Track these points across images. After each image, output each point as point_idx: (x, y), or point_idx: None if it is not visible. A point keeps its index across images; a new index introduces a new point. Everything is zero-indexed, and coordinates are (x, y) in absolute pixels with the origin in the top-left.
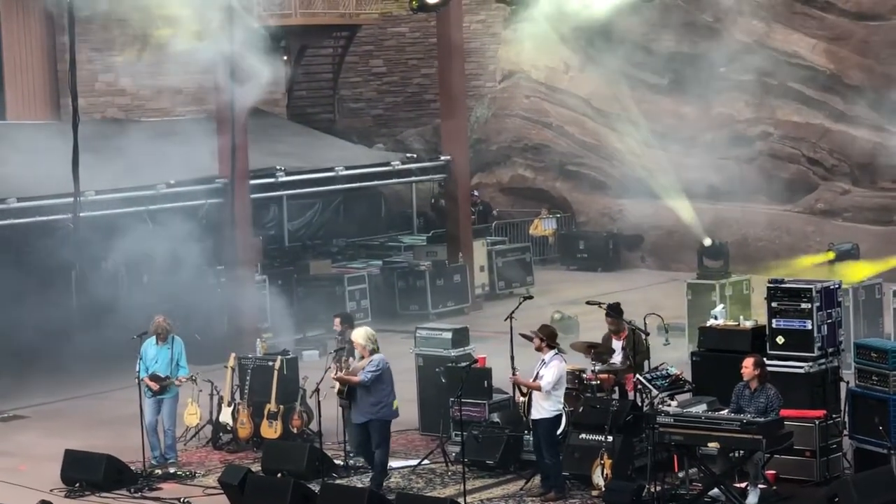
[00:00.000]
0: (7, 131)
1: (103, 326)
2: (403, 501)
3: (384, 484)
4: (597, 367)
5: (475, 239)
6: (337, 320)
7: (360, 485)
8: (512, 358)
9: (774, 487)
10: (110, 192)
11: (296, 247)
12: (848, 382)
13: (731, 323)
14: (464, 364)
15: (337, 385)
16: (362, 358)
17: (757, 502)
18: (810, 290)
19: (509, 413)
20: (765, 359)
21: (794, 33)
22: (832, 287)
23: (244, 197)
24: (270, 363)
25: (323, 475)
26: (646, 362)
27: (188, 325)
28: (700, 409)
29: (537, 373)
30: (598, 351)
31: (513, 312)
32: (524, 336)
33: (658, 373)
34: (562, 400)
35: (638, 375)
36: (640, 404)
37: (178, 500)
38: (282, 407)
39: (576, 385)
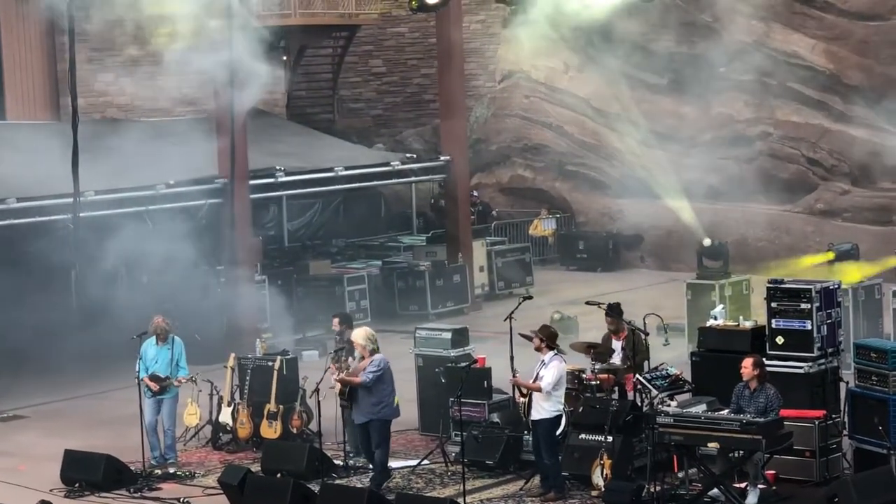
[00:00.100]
0: (6, 131)
1: (103, 326)
2: (403, 501)
3: (385, 484)
4: (596, 368)
5: (475, 239)
6: (336, 320)
7: (359, 485)
8: (511, 358)
9: (774, 487)
10: (110, 192)
11: (295, 247)
12: (847, 382)
13: (730, 323)
14: (463, 364)
15: (337, 385)
16: (363, 358)
17: (756, 502)
18: (810, 290)
19: (509, 413)
20: (764, 359)
21: (793, 33)
22: (832, 287)
23: (244, 197)
24: (270, 363)
25: (322, 475)
26: (645, 362)
27: (188, 325)
28: (700, 409)
29: (537, 373)
30: (598, 351)
31: (512, 313)
32: (524, 336)
33: (658, 373)
34: (562, 400)
35: (638, 375)
36: (639, 404)
37: (178, 500)
38: (281, 407)
39: (575, 385)
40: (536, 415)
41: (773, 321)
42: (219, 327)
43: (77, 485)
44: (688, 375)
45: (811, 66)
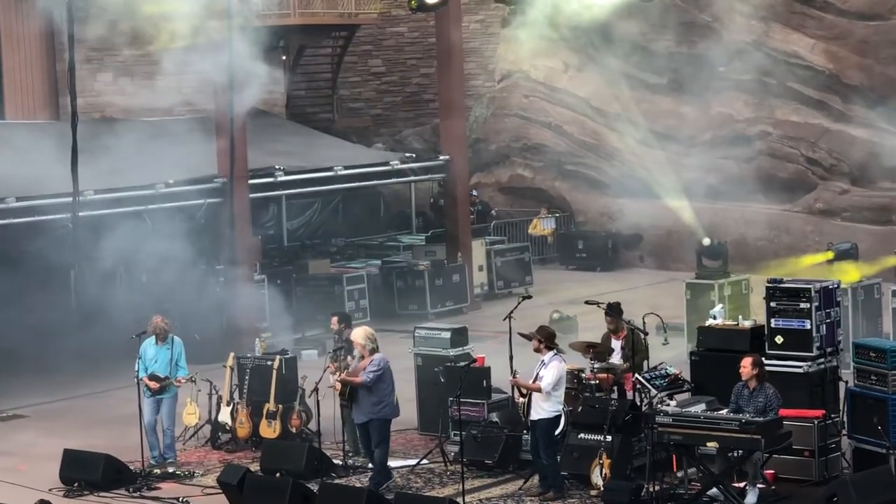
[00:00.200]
0: (6, 131)
1: (102, 326)
2: (402, 501)
3: (385, 484)
4: (596, 367)
5: (474, 238)
6: (334, 319)
7: (358, 484)
8: (511, 358)
9: (773, 487)
10: (109, 191)
11: (295, 246)
12: (847, 382)
13: (729, 323)
14: (463, 364)
15: (337, 385)
16: (362, 358)
17: (756, 502)
18: (809, 289)
19: (508, 413)
20: (763, 358)
21: (793, 33)
22: (831, 287)
23: (243, 196)
24: (269, 363)
25: (322, 475)
26: (645, 362)
27: (187, 324)
28: (699, 408)
29: (537, 374)
30: (598, 350)
31: (512, 312)
32: (522, 335)
33: (657, 372)
34: (562, 400)
35: (637, 375)
36: (638, 404)
37: (177, 499)
38: (280, 406)
39: (575, 385)
40: (535, 415)
41: (773, 321)
42: (218, 327)
43: (76, 484)
44: (687, 375)
45: (811, 66)
